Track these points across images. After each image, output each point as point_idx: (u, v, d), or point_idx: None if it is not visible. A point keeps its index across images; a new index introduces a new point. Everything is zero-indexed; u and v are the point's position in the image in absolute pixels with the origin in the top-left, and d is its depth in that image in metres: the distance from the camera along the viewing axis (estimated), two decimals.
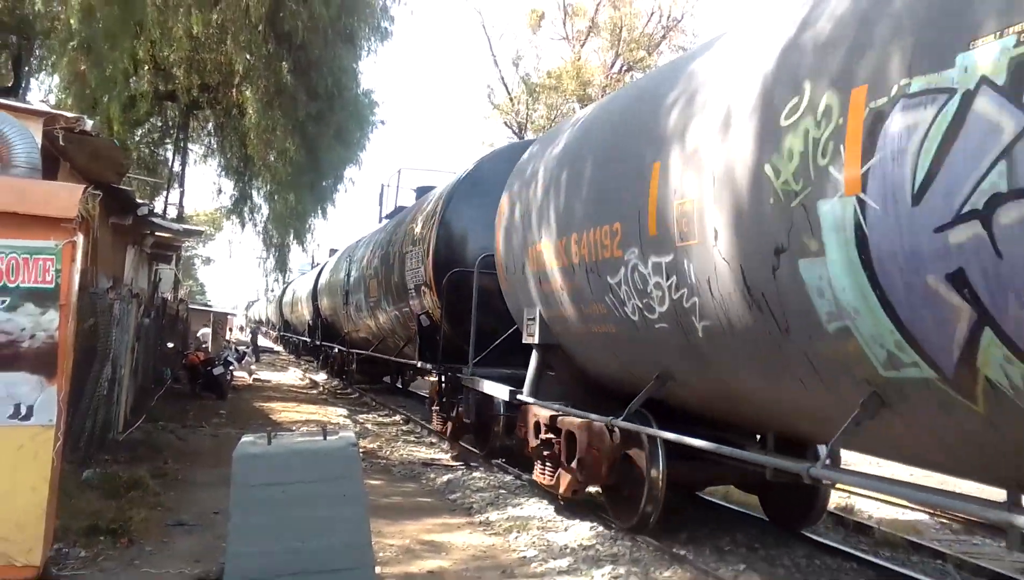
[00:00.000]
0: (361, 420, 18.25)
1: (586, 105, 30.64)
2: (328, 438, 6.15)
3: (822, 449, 6.79)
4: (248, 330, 65.46)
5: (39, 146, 7.85)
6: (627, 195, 7.20)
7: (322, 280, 30.73)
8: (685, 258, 6.35)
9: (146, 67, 24.26)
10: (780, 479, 6.63)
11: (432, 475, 11.85)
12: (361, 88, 27.64)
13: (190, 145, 31.19)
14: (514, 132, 37.19)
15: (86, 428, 10.05)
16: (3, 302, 5.98)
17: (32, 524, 5.96)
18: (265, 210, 29.73)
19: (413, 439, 15.62)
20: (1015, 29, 3.80)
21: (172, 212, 28.91)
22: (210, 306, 56.10)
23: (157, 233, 20.54)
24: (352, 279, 23.42)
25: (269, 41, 23.23)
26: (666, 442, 7.56)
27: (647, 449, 7.90)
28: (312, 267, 40.26)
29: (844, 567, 7.69)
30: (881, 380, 4.86)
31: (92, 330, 9.92)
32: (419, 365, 15.81)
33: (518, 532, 8.59)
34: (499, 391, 10.72)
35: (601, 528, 8.48)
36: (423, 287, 15.21)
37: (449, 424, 13.65)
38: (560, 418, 8.95)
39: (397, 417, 18.99)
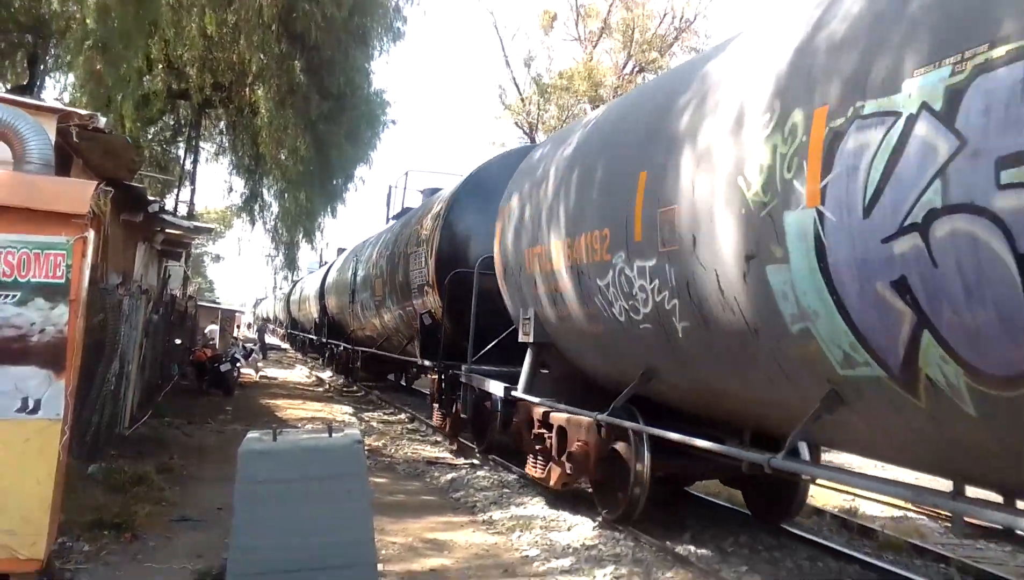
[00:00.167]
0: (366, 418, 18.26)
1: (597, 106, 30.38)
2: (334, 435, 6.08)
3: (803, 445, 7.31)
4: (256, 328, 65.15)
5: (52, 143, 7.72)
6: (616, 202, 7.58)
7: (329, 279, 30.91)
8: (667, 263, 6.69)
9: (160, 66, 24.33)
10: (754, 472, 6.73)
11: (436, 473, 11.86)
12: (373, 88, 27.70)
13: (202, 143, 31.37)
14: (525, 133, 37.27)
15: (92, 423, 9.99)
16: (14, 296, 5.94)
17: (37, 518, 5.90)
18: (275, 208, 29.80)
19: (418, 437, 15.59)
20: (950, 60, 4.12)
21: (183, 209, 29.03)
22: (218, 303, 55.98)
23: (167, 230, 20.24)
24: (359, 278, 23.64)
25: (282, 41, 23.28)
26: (651, 437, 7.86)
27: (633, 444, 8.20)
28: (320, 266, 40.55)
29: (847, 570, 7.72)
30: (839, 378, 5.17)
31: (101, 325, 9.75)
32: (421, 362, 16.07)
33: (521, 531, 8.57)
34: (495, 387, 11.08)
35: (604, 528, 8.52)
36: (426, 287, 15.54)
37: (448, 420, 14.03)
38: (551, 414, 9.31)
39: (402, 415, 18.98)
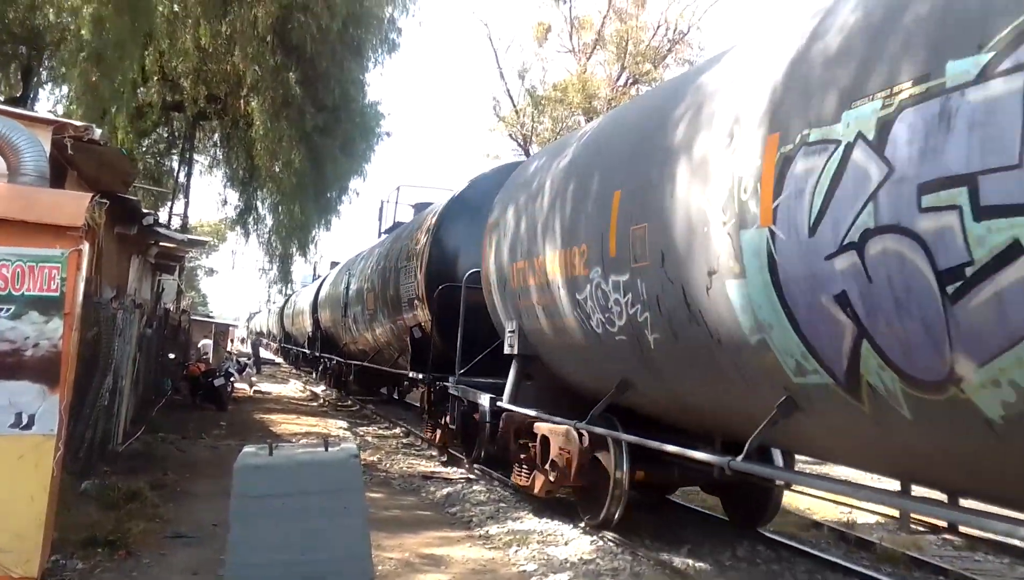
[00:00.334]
0: (361, 432, 18.45)
1: (591, 118, 30.80)
2: (330, 450, 6.15)
3: (777, 452, 7.84)
4: (250, 342, 65.42)
5: (48, 154, 7.90)
6: (593, 220, 8.11)
7: (322, 293, 31.52)
8: (639, 278, 7.19)
9: (154, 78, 24.65)
10: (727, 478, 7.27)
11: (432, 488, 11.97)
12: (367, 100, 28.21)
13: (196, 155, 31.83)
14: (519, 144, 37.74)
15: (86, 438, 10.07)
16: (8, 310, 5.99)
17: (31, 535, 5.94)
18: (269, 221, 30.15)
19: (413, 452, 15.75)
20: (881, 94, 4.62)
21: (176, 222, 29.36)
22: (212, 317, 56.26)
23: (161, 243, 20.60)
24: (351, 292, 24.19)
25: (277, 52, 23.57)
26: (630, 446, 8.32)
27: (612, 452, 8.64)
28: (314, 279, 40.96)
29: None
30: (794, 386, 5.64)
31: (95, 340, 9.96)
32: (411, 375, 16.59)
33: (518, 546, 8.66)
34: (481, 399, 11.53)
35: (601, 543, 8.64)
36: (416, 301, 16.09)
37: (438, 432, 14.48)
38: (535, 423, 9.80)
39: (397, 430, 19.21)
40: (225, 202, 32.54)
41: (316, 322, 32.26)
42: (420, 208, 20.93)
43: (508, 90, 38.73)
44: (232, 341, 57.97)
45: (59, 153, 10.18)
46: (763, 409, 5.93)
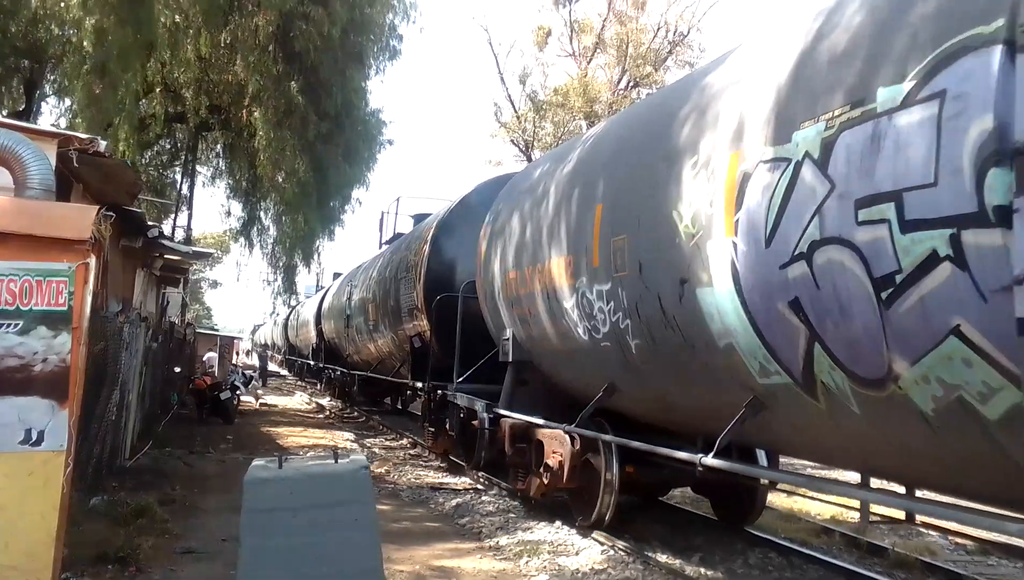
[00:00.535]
0: (368, 444, 18.83)
1: (593, 122, 31.22)
2: (340, 462, 6.21)
3: (761, 453, 8.39)
4: (255, 354, 65.96)
5: (53, 168, 7.94)
6: (578, 231, 8.72)
7: (325, 304, 32.21)
8: (619, 286, 7.79)
9: (156, 89, 25.17)
10: (713, 479, 8.20)
11: (441, 499, 12.18)
12: (370, 107, 28.79)
13: (198, 167, 32.45)
14: (521, 150, 38.33)
15: (94, 454, 10.19)
16: (16, 325, 6.03)
17: (41, 552, 5.97)
18: (273, 232, 30.84)
19: (421, 463, 16.02)
20: (825, 116, 5.18)
21: (180, 234, 30.03)
22: (217, 330, 56.72)
23: (166, 256, 21.12)
24: (353, 303, 24.85)
25: (278, 61, 24.10)
26: (620, 448, 8.88)
27: (603, 454, 9.22)
28: (317, 290, 41.74)
29: None
30: (759, 387, 6.20)
31: (102, 354, 10.03)
32: (412, 384, 17.28)
33: (529, 557, 8.82)
34: (477, 405, 12.13)
35: (612, 552, 8.81)
36: (416, 311, 16.72)
37: (438, 439, 15.13)
38: (529, 428, 10.40)
39: (404, 441, 19.57)
40: (228, 213, 33.23)
41: (320, 333, 32.98)
42: (419, 219, 21.60)
43: (509, 95, 39.43)
44: (237, 354, 58.50)
45: (64, 166, 10.34)
46: (733, 409, 6.49)
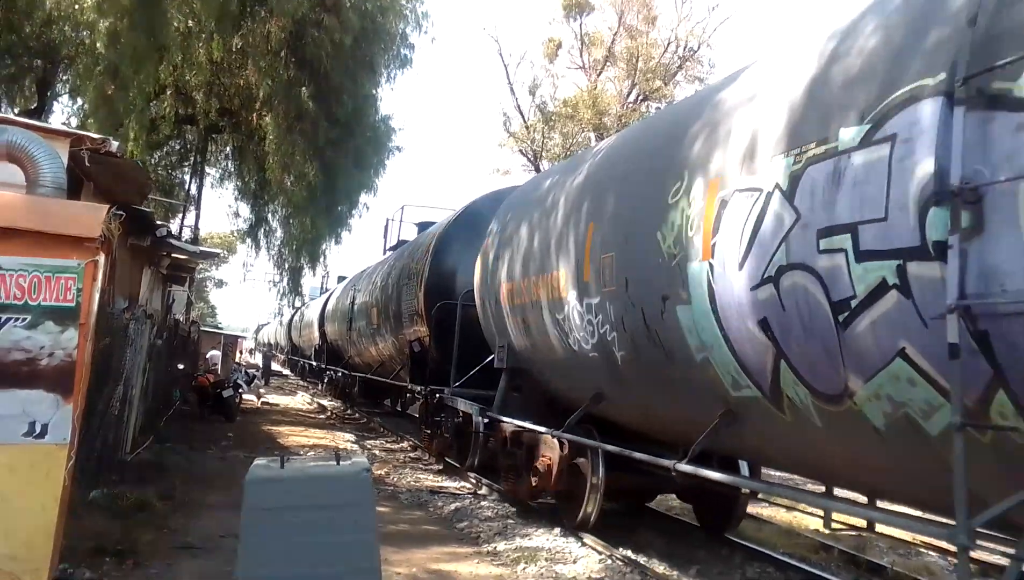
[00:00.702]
0: (369, 446, 18.98)
1: (601, 135, 31.58)
2: (341, 463, 6.26)
3: (743, 464, 8.84)
4: (259, 353, 66.39)
5: (65, 166, 8.03)
6: (571, 247, 9.23)
7: (329, 307, 32.85)
8: (607, 301, 8.28)
9: (167, 91, 25.51)
10: (695, 486, 8.59)
11: (439, 503, 12.26)
12: (379, 114, 29.12)
13: (207, 168, 32.77)
14: (529, 160, 38.75)
15: (95, 448, 10.18)
16: (24, 320, 6.11)
17: (40, 543, 6.02)
18: (280, 234, 31.31)
19: (420, 466, 16.16)
20: (794, 152, 5.66)
21: (187, 234, 30.34)
22: (221, 329, 57.12)
23: (173, 255, 21.24)
24: (356, 307, 25.45)
25: (290, 67, 24.46)
26: (606, 454, 9.28)
27: (590, 458, 9.65)
28: (322, 293, 42.26)
29: None
30: (732, 399, 6.67)
31: (107, 349, 10.10)
32: (410, 387, 17.80)
33: (526, 563, 8.87)
34: (472, 409, 12.62)
35: (610, 562, 8.89)
36: (416, 317, 17.29)
37: (434, 441, 15.55)
38: (521, 433, 10.88)
39: (404, 443, 19.76)
40: (236, 214, 33.91)
41: (323, 335, 33.60)
42: (423, 227, 22.22)
43: (518, 105, 39.75)
44: (240, 352, 58.88)
45: (76, 165, 10.44)
46: (708, 418, 6.97)
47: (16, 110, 26.41)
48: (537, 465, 10.24)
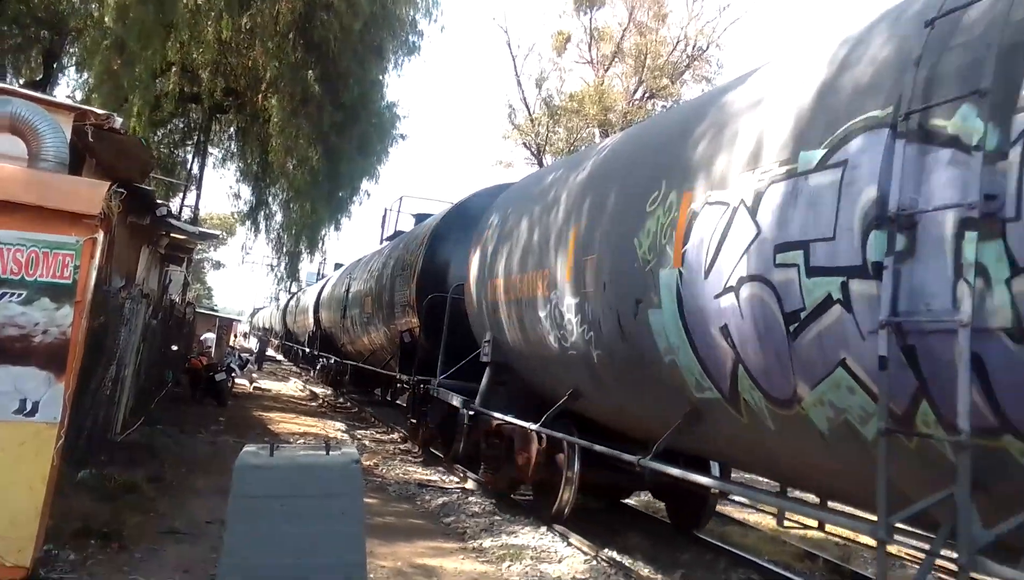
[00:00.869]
0: (359, 436, 19.29)
1: (607, 131, 32.01)
2: (331, 453, 6.34)
3: (715, 464, 9.29)
4: (254, 337, 66.96)
5: (68, 141, 8.05)
6: (554, 249, 9.81)
7: (325, 293, 33.46)
8: (586, 302, 8.81)
9: (173, 68, 25.79)
10: (665, 483, 9.37)
11: (427, 497, 12.52)
12: (385, 101, 29.70)
13: (210, 148, 33.17)
14: (532, 153, 39.29)
15: (85, 427, 10.25)
16: (19, 295, 6.14)
17: (26, 523, 6.04)
18: (280, 217, 31.70)
19: (410, 459, 16.42)
20: (759, 170, 6.17)
21: (187, 214, 30.64)
22: (216, 311, 57.58)
23: (172, 234, 21.69)
24: (351, 295, 26.06)
25: (298, 49, 24.88)
26: (582, 450, 9.85)
27: (566, 453, 10.23)
28: (319, 279, 42.90)
29: None
30: (695, 399, 7.20)
31: (101, 328, 10.12)
32: (400, 377, 18.46)
33: (511, 561, 9.05)
34: (456, 400, 13.21)
35: (595, 563, 9.11)
36: (408, 308, 17.92)
37: (419, 430, 16.32)
38: (502, 425, 11.45)
39: (395, 435, 20.06)
40: (237, 196, 34.08)
41: (317, 322, 34.28)
42: (420, 219, 22.84)
43: (524, 98, 40.31)
44: (235, 336, 59.41)
45: (79, 140, 10.63)
46: (675, 418, 7.51)
47: (22, 81, 26.82)
48: (516, 457, 10.84)
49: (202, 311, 44.09)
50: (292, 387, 33.60)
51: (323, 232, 31.21)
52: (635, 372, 8.09)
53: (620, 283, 8.02)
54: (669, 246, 7.12)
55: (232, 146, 33.56)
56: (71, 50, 27.26)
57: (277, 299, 60.76)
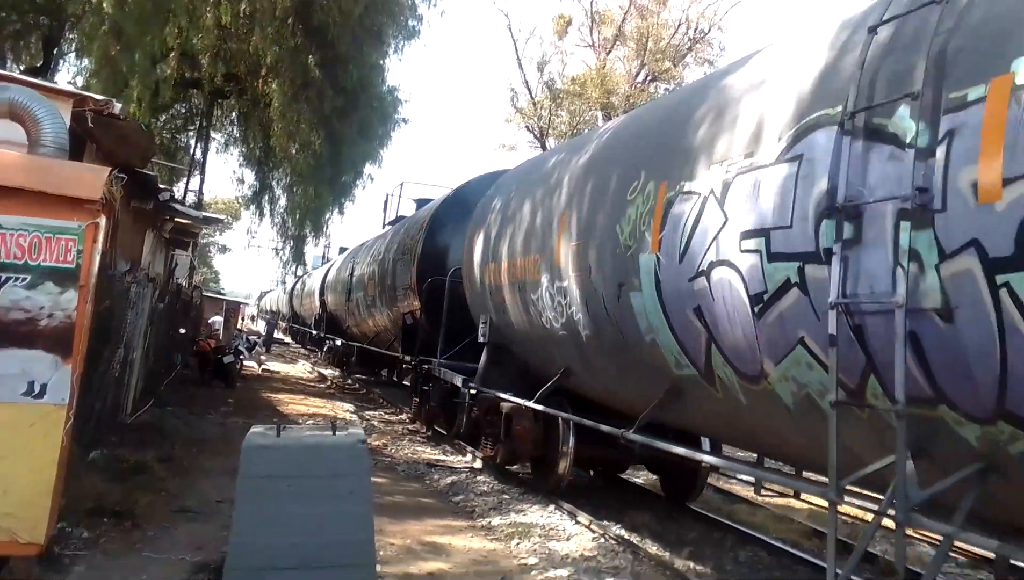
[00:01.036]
0: (368, 416, 19.75)
1: (609, 114, 32.37)
2: (337, 434, 6.50)
3: (705, 440, 9.71)
4: (262, 320, 67.59)
5: (67, 127, 8.14)
6: (546, 235, 10.36)
7: (330, 277, 34.16)
8: (574, 285, 9.36)
9: (172, 54, 25.93)
10: (657, 458, 10.07)
11: (436, 476, 12.87)
12: (386, 85, 29.83)
13: (212, 133, 33.40)
14: (536, 136, 39.71)
15: (95, 409, 10.39)
16: (23, 279, 6.26)
17: (39, 502, 6.22)
18: (284, 201, 32.13)
19: (419, 439, 16.79)
20: (727, 162, 6.70)
21: (191, 198, 31.02)
22: (223, 294, 58.08)
23: (176, 219, 22.05)
24: (355, 278, 26.80)
25: (297, 34, 25.04)
26: (576, 426, 10.39)
27: (560, 428, 10.84)
28: (324, 262, 43.61)
29: None
30: (675, 377, 7.76)
31: (107, 312, 10.09)
32: (403, 357, 19.24)
33: (520, 539, 9.26)
34: (457, 380, 13.87)
35: (603, 540, 9.32)
36: (409, 291, 18.63)
37: (423, 409, 17.14)
38: (500, 403, 12.05)
39: (403, 415, 20.38)
40: (241, 181, 34.51)
41: (323, 304, 34.98)
42: (421, 204, 23.43)
43: (526, 81, 40.76)
44: (243, 319, 59.97)
45: (79, 126, 10.70)
46: (656, 394, 8.10)
47: (22, 67, 27.12)
48: (514, 433, 11.49)
49: (209, 295, 44.59)
50: (300, 369, 34.13)
51: (327, 216, 31.63)
52: (620, 351, 8.65)
53: (605, 267, 8.57)
54: (648, 232, 7.66)
55: (234, 131, 33.83)
56: (70, 36, 27.41)
57: (283, 282, 61.36)
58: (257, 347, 32.61)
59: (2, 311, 6.22)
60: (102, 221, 6.58)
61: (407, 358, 18.84)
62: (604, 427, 9.07)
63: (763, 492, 8.38)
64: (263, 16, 24.35)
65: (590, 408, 10.38)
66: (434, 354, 15.68)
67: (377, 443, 15.35)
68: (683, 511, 11.39)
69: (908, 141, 4.87)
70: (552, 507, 10.69)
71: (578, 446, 10.76)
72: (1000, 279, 4.26)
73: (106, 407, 11.33)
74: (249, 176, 33.49)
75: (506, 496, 11.40)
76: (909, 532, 10.26)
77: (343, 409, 20.30)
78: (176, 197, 23.11)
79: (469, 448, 14.60)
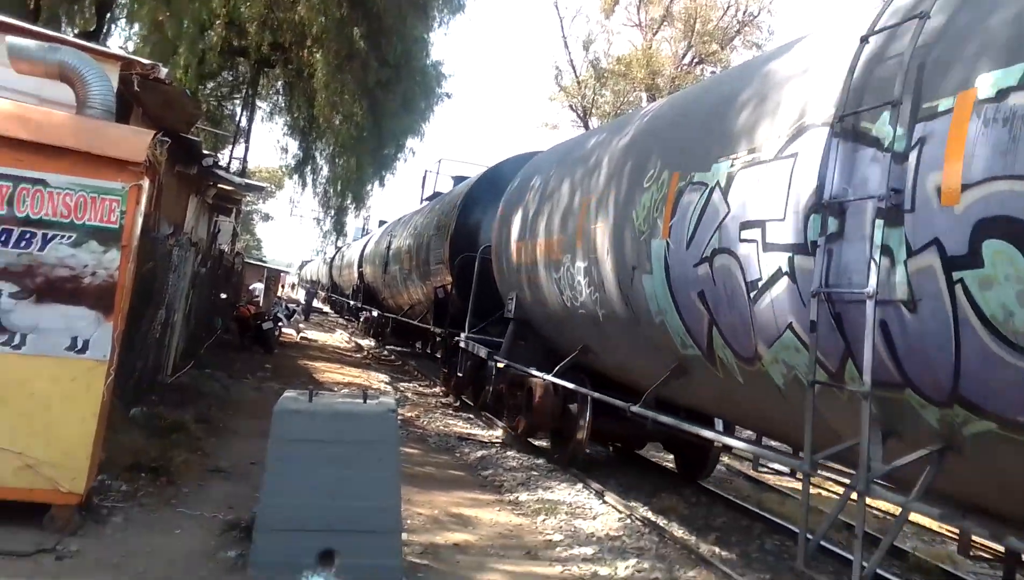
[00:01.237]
0: (402, 388, 20.13)
1: (654, 95, 32.58)
2: (368, 402, 6.65)
3: (719, 422, 10.27)
4: (302, 289, 68.58)
5: (115, 90, 8.35)
6: (569, 218, 10.96)
7: (368, 249, 35.11)
8: (594, 266, 9.97)
9: (219, 21, 26.36)
10: (673, 436, 10.53)
11: (466, 449, 13.10)
12: (430, 59, 30.19)
13: (258, 102, 33.97)
14: (579, 116, 39.98)
15: (137, 368, 10.74)
16: (69, 237, 6.51)
17: (79, 453, 6.50)
18: (326, 172, 32.77)
19: (451, 412, 17.10)
20: (732, 156, 7.23)
21: (236, 166, 31.79)
22: (265, 262, 58.96)
23: (220, 185, 22.20)
24: (392, 251, 27.66)
25: (343, 5, 25.36)
26: (594, 401, 10.93)
27: (578, 403, 11.45)
28: (363, 234, 44.67)
29: None
30: (681, 355, 8.36)
31: (150, 273, 10.46)
32: (433, 330, 20.10)
33: (546, 515, 9.44)
34: (482, 352, 14.60)
35: (629, 520, 9.44)
36: (442, 265, 19.50)
37: (452, 379, 17.97)
38: (522, 377, 12.73)
39: (437, 389, 20.68)
40: (285, 150, 34.94)
41: (360, 276, 35.98)
42: (458, 181, 24.34)
43: (571, 60, 40.85)
44: (283, 286, 60.89)
45: (126, 89, 10.78)
46: (664, 371, 8.70)
47: (76, 31, 27.83)
48: (534, 406, 12.15)
49: (251, 261, 45.64)
50: (338, 338, 34.68)
51: (368, 188, 32.21)
52: (633, 330, 9.26)
53: (620, 250, 9.18)
54: (660, 219, 8.23)
55: (279, 100, 34.43)
56: (122, 1, 28.08)
57: (323, 252, 62.25)
58: (296, 315, 33.14)
59: (48, 268, 6.50)
60: (145, 183, 6.79)
61: (438, 330, 19.65)
62: (614, 401, 9.70)
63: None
64: None
65: (606, 385, 10.96)
66: (463, 328, 16.37)
67: (410, 415, 15.70)
68: (713, 498, 11.47)
69: (887, 145, 5.37)
70: (580, 486, 10.86)
71: (594, 420, 11.31)
72: (956, 276, 4.77)
73: (147, 366, 11.71)
74: (293, 145, 34.05)
75: (534, 473, 11.60)
76: (935, 527, 11.08)
77: (378, 379, 20.72)
78: (220, 164, 23.51)
79: (500, 423, 15.12)
